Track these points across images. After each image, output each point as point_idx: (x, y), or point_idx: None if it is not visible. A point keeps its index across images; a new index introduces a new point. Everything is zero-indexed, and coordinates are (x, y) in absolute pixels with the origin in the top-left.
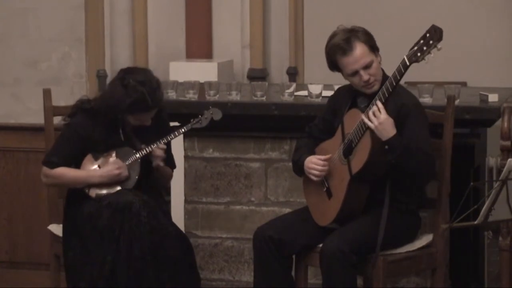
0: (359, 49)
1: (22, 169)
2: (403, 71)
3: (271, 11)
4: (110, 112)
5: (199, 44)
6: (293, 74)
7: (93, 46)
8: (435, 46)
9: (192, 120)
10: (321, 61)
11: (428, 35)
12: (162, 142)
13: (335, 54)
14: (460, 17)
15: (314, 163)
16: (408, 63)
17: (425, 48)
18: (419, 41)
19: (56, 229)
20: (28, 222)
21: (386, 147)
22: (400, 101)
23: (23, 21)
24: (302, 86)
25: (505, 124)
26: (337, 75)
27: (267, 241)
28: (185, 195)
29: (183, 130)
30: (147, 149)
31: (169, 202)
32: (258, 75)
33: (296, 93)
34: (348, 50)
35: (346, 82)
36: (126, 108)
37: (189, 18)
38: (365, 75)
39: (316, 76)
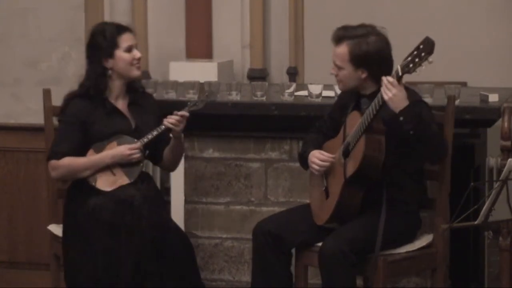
0: (339, 50)
1: (22, 169)
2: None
3: (271, 11)
4: (102, 62)
5: (199, 44)
6: (293, 74)
7: None
8: (426, 59)
9: (188, 103)
10: (321, 61)
11: (421, 46)
12: (161, 129)
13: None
14: (460, 17)
15: (316, 157)
16: (400, 74)
17: (417, 60)
18: (413, 51)
19: (56, 229)
20: (28, 222)
21: (401, 118)
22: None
23: (23, 21)
24: (302, 86)
25: (505, 124)
26: None
27: (266, 235)
28: (185, 195)
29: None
30: (148, 136)
31: (169, 202)
32: (258, 75)
33: (296, 93)
34: (335, 42)
35: None
36: (110, 41)
37: (189, 18)
38: (333, 70)
39: (316, 76)
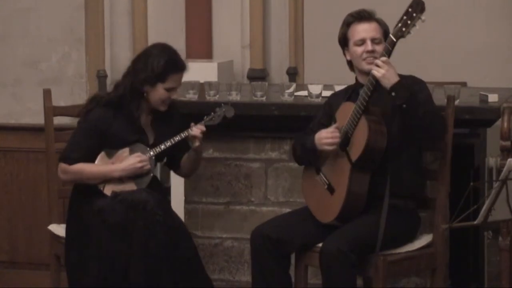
0: (374, 24)
1: (22, 169)
2: (390, 48)
3: (271, 11)
4: (143, 84)
5: (199, 44)
6: (293, 74)
7: (93, 46)
8: (419, 18)
9: (205, 117)
10: (321, 61)
11: (410, 9)
12: (174, 141)
13: (350, 21)
14: (460, 17)
15: (325, 131)
16: (394, 40)
17: (409, 22)
18: (402, 17)
19: (56, 229)
20: (28, 222)
21: (393, 93)
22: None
23: (23, 21)
24: (302, 86)
25: (505, 124)
26: (337, 75)
27: (265, 240)
28: (185, 195)
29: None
30: (161, 146)
31: (169, 202)
32: (258, 75)
33: (296, 93)
34: (365, 18)
35: (346, 82)
36: (161, 72)
37: (189, 18)
38: (370, 45)
39: (316, 76)
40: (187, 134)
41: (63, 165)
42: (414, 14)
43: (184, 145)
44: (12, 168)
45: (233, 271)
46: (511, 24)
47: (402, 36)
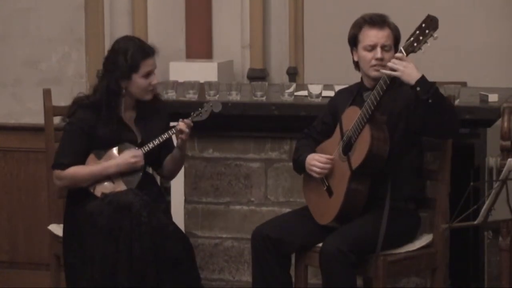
0: (387, 31)
1: (22, 169)
2: None
3: (271, 11)
4: (118, 82)
5: (199, 44)
6: (293, 74)
7: (93, 46)
8: (432, 35)
9: (192, 113)
10: (321, 61)
11: (423, 25)
12: (163, 138)
13: (363, 23)
14: (460, 17)
15: (317, 160)
16: (405, 54)
17: (421, 37)
18: (415, 31)
19: (56, 229)
20: (28, 222)
21: (418, 89)
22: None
23: (23, 21)
24: (302, 86)
25: (505, 124)
26: (337, 75)
27: (265, 240)
28: (185, 195)
29: None
30: (149, 145)
31: (169, 202)
32: (258, 75)
33: (296, 93)
34: (378, 24)
35: (346, 82)
36: (131, 64)
37: (189, 18)
38: (380, 53)
39: (316, 76)
40: (174, 131)
41: (56, 172)
42: (427, 31)
43: (170, 144)
44: (12, 168)
45: (233, 271)
46: (511, 24)
47: (413, 51)
